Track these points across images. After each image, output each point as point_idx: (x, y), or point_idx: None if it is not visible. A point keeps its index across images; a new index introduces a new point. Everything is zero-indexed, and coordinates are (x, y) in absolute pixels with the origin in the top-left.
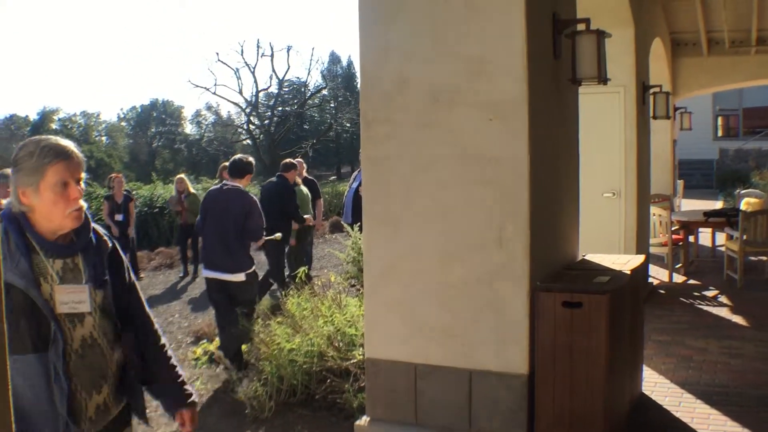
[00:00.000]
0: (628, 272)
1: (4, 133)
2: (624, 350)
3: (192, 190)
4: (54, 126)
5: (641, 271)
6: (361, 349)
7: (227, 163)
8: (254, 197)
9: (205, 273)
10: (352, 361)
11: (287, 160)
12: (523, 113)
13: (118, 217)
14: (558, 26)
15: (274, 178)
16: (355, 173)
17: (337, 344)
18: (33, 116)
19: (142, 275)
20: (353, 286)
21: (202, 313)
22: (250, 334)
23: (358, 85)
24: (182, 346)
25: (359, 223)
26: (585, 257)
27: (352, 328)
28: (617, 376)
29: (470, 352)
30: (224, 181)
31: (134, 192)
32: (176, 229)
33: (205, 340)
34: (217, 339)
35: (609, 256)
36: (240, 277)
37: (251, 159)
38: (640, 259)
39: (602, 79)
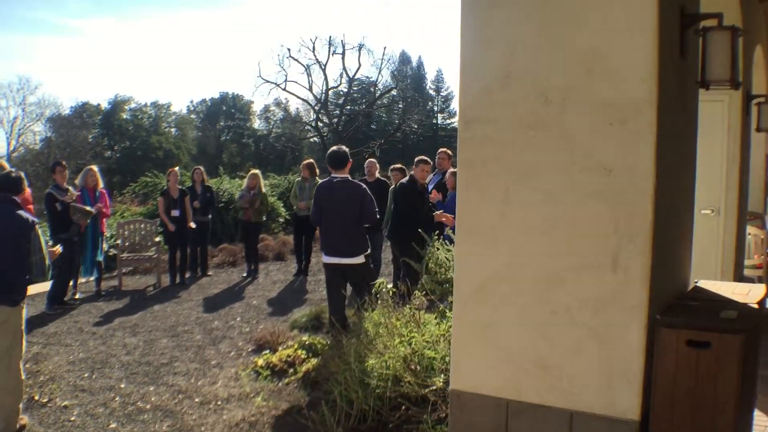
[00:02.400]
0: (756, 306)
1: (76, 122)
2: (748, 395)
3: (263, 189)
4: (125, 116)
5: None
6: (442, 375)
7: (311, 160)
8: (363, 185)
9: (326, 259)
10: (431, 388)
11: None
12: (648, 118)
13: (175, 213)
14: (686, 21)
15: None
16: (430, 176)
17: (414, 367)
18: (105, 105)
19: (209, 272)
20: (430, 300)
21: (264, 319)
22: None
23: (428, 87)
24: (243, 354)
25: (437, 232)
26: (698, 284)
27: (432, 351)
28: (742, 426)
29: (571, 390)
30: (332, 175)
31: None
32: (240, 226)
33: (267, 351)
34: (281, 350)
35: (726, 284)
36: (360, 259)
37: (345, 149)
38: (761, 289)
39: (735, 83)
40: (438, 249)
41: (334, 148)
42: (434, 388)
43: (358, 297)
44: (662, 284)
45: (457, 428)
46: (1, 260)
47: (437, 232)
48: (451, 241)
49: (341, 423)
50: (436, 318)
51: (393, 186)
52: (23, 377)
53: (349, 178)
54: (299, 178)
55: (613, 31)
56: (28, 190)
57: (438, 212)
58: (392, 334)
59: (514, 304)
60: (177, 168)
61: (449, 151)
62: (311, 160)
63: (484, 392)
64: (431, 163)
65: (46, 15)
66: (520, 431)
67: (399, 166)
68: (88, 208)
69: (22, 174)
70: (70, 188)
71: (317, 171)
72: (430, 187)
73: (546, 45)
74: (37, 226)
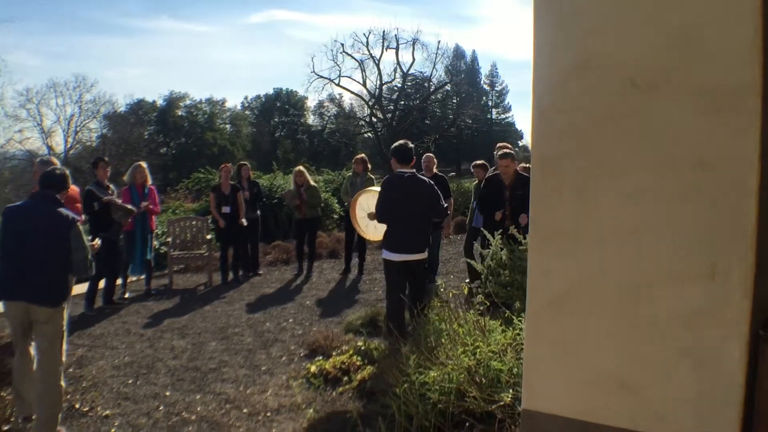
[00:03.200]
0: None
1: (132, 119)
2: None
3: (312, 183)
4: (180, 112)
5: None
6: (511, 391)
7: (363, 155)
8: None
9: (393, 256)
10: (498, 404)
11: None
12: (751, 105)
13: (225, 209)
14: None
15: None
16: (490, 171)
17: (479, 380)
18: (160, 102)
19: (260, 271)
20: (493, 303)
21: (318, 320)
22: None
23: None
24: (294, 359)
25: (500, 230)
26: None
27: (499, 362)
28: None
29: (659, 414)
30: (398, 170)
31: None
32: (294, 222)
33: (320, 357)
34: (335, 356)
35: None
36: (425, 255)
37: (410, 143)
38: None
39: None
40: (502, 249)
41: (401, 142)
42: (502, 404)
43: (417, 299)
44: (766, 295)
45: None
46: (41, 259)
47: (501, 230)
48: (516, 241)
49: None
50: (501, 325)
51: (476, 182)
52: (63, 384)
53: (416, 173)
54: (350, 173)
55: (711, 7)
56: (74, 188)
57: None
58: (455, 343)
59: (595, 316)
60: (230, 164)
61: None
62: (363, 155)
63: (560, 413)
64: (513, 155)
65: (102, 15)
66: None
67: (481, 162)
68: (129, 206)
69: (67, 171)
70: (111, 186)
71: (369, 166)
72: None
73: (631, 25)
74: (78, 224)
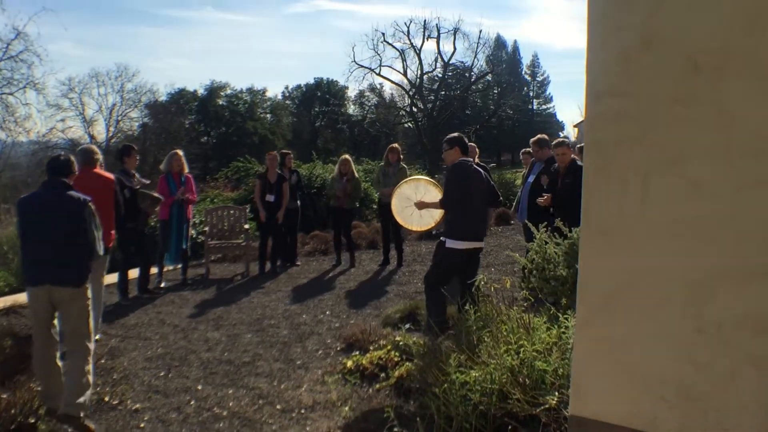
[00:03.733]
0: None
1: (173, 108)
2: None
3: (356, 174)
4: (220, 102)
5: None
6: (557, 393)
7: (396, 145)
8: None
9: (461, 244)
10: (543, 407)
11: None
12: None
13: (270, 198)
14: None
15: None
16: (531, 163)
17: (522, 381)
18: (201, 91)
19: (298, 262)
20: (536, 299)
21: (355, 313)
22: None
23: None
24: (331, 353)
25: (545, 224)
26: None
27: (544, 362)
28: None
29: (720, 425)
30: (462, 158)
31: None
32: (331, 213)
33: (357, 351)
34: (372, 351)
35: None
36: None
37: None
38: None
39: None
40: (546, 242)
41: (457, 134)
42: (546, 407)
43: (468, 289)
44: None
45: None
46: (61, 242)
47: (545, 223)
48: (561, 233)
49: None
50: (546, 322)
51: (524, 171)
52: (91, 363)
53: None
54: (382, 164)
55: None
56: (109, 175)
57: (543, 199)
58: (497, 341)
59: (652, 318)
60: (275, 152)
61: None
62: (397, 145)
63: (611, 421)
64: (568, 143)
65: (146, 5)
66: None
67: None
68: (157, 195)
69: (71, 156)
70: (137, 174)
71: (401, 156)
72: (531, 177)
73: (697, 1)
74: (90, 204)
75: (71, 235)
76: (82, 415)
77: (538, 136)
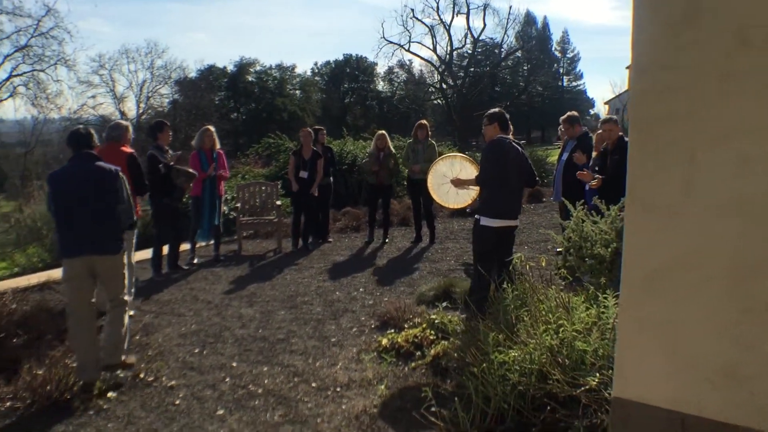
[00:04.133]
0: None
1: (202, 84)
2: None
3: (392, 149)
4: (250, 78)
5: None
6: (598, 374)
7: (424, 122)
8: None
9: (494, 222)
10: (583, 388)
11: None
12: None
13: (303, 174)
14: None
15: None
16: (565, 141)
17: (562, 361)
18: (230, 68)
19: (330, 238)
20: (574, 278)
21: (389, 290)
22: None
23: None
24: (366, 331)
25: (582, 201)
26: None
27: (583, 342)
28: None
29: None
30: (499, 135)
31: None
32: (365, 189)
33: (392, 329)
34: (407, 329)
35: None
36: (518, 222)
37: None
38: None
39: None
40: (583, 220)
41: (499, 109)
42: (587, 388)
43: (505, 267)
44: None
45: None
46: (97, 213)
47: (582, 201)
48: (598, 212)
49: (475, 423)
50: (584, 302)
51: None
52: (128, 317)
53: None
54: (410, 140)
55: None
56: (127, 149)
57: (583, 171)
58: (536, 320)
59: (698, 298)
60: (308, 128)
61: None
62: (425, 121)
63: (655, 403)
64: (616, 120)
65: None
66: None
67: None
68: (192, 170)
69: (91, 129)
70: (170, 150)
71: (429, 132)
72: (564, 155)
73: None
74: (120, 174)
75: (104, 205)
76: (123, 358)
77: (568, 113)
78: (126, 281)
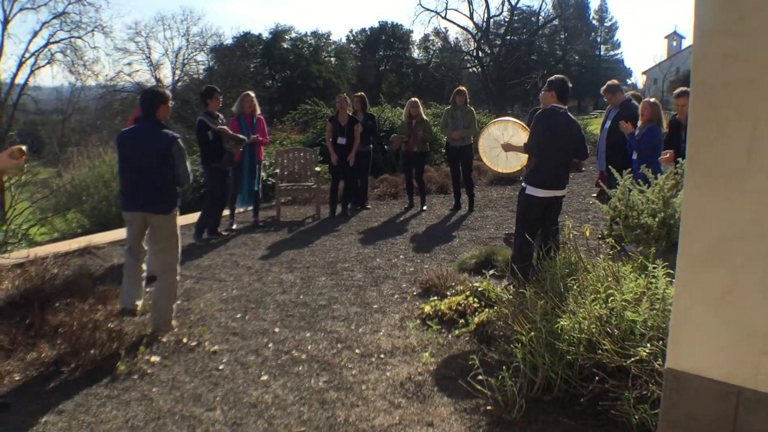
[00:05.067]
0: None
1: (238, 51)
2: None
3: (424, 117)
4: (285, 45)
5: None
6: (649, 344)
7: (462, 88)
8: None
9: (541, 192)
10: (633, 359)
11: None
12: None
13: (341, 140)
14: None
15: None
16: (608, 110)
17: (611, 331)
18: (265, 35)
19: (368, 205)
20: (620, 247)
21: (429, 257)
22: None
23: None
24: (407, 298)
25: (629, 170)
26: None
27: (633, 312)
28: None
29: None
30: (553, 104)
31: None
32: (402, 156)
33: (435, 297)
34: (450, 296)
35: None
36: (565, 192)
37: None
38: None
39: None
40: (630, 189)
41: (563, 77)
42: (637, 358)
43: (551, 236)
44: None
45: (671, 415)
46: (150, 174)
47: (629, 170)
48: (646, 181)
49: (523, 392)
50: (632, 271)
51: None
52: (178, 279)
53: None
54: (448, 107)
55: None
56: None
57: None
58: (585, 290)
59: (760, 269)
60: (345, 94)
61: (611, 84)
62: (463, 87)
63: (711, 376)
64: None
65: None
66: (754, 427)
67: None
68: (241, 136)
69: (160, 91)
70: (221, 116)
71: (468, 99)
72: (606, 123)
73: None
74: (179, 140)
75: (160, 167)
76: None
77: (608, 82)
78: (180, 248)
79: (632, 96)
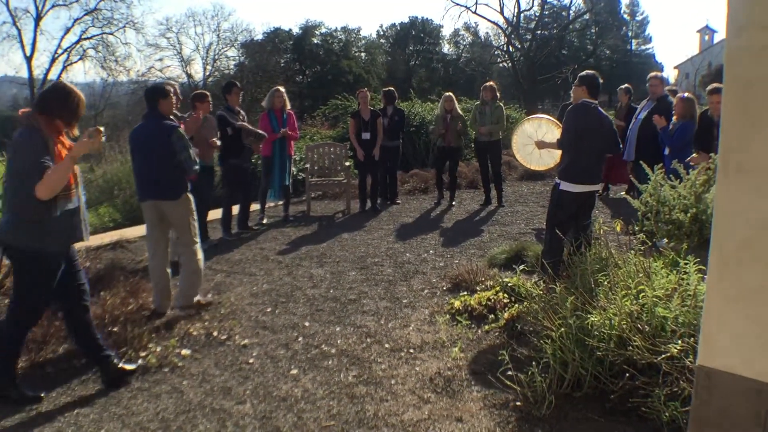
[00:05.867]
0: None
1: (268, 47)
2: None
3: (459, 111)
4: (315, 40)
5: None
6: (680, 341)
7: (492, 83)
8: None
9: (575, 187)
10: (664, 356)
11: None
12: None
13: (365, 135)
14: None
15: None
16: (644, 102)
17: (642, 327)
18: (296, 30)
19: (398, 200)
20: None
21: (459, 253)
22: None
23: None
24: (437, 293)
25: (660, 165)
26: None
27: (665, 308)
28: None
29: None
30: (584, 100)
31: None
32: (434, 150)
33: (465, 292)
34: (480, 292)
35: None
36: (599, 186)
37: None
38: None
39: None
40: (662, 185)
41: (594, 73)
42: (668, 355)
43: (583, 231)
44: None
45: (702, 412)
46: (156, 164)
47: (661, 165)
48: (677, 176)
49: (552, 387)
50: (663, 267)
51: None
52: (201, 257)
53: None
54: (478, 102)
55: None
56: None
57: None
58: (615, 285)
59: None
60: (366, 89)
61: (660, 74)
62: (492, 83)
63: (743, 374)
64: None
65: None
66: None
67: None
68: (260, 131)
69: (161, 86)
70: (242, 111)
71: (498, 94)
72: (641, 114)
73: None
74: (179, 129)
75: (164, 157)
76: (195, 299)
77: (656, 73)
78: (194, 229)
79: (668, 92)
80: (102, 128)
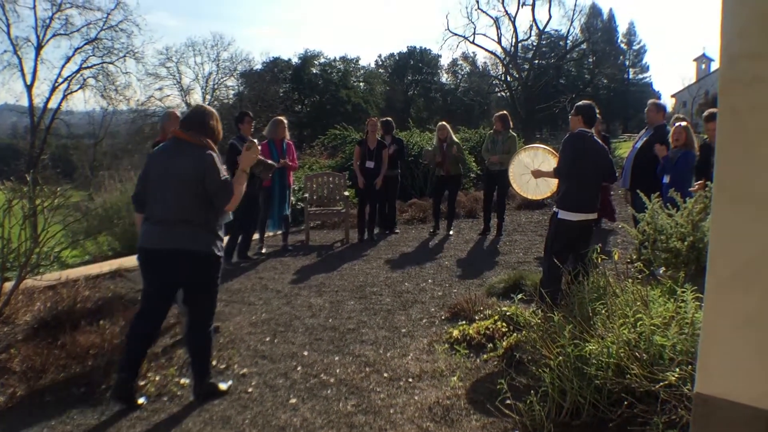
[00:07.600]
0: None
1: (267, 76)
2: None
3: (455, 139)
4: (314, 70)
5: None
6: (678, 369)
7: (504, 112)
8: None
9: (574, 216)
10: (662, 383)
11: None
12: None
13: (369, 164)
14: None
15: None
16: (642, 131)
17: (640, 355)
18: (295, 60)
19: (396, 230)
20: (648, 271)
21: (457, 282)
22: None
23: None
24: (436, 322)
25: (658, 194)
26: None
27: (662, 336)
28: None
29: None
30: (580, 129)
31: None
32: (432, 180)
33: (463, 321)
34: (478, 321)
35: None
36: (596, 215)
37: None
38: None
39: None
40: (659, 213)
41: (589, 102)
42: (666, 383)
43: (581, 260)
44: None
45: None
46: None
47: (658, 193)
48: (674, 205)
49: (551, 416)
50: (661, 296)
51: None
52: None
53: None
54: (491, 131)
55: None
56: None
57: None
58: (613, 314)
59: None
60: (376, 118)
61: (658, 102)
62: (504, 112)
63: (741, 401)
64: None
65: None
66: None
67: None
68: (271, 161)
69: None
70: (256, 141)
71: (511, 124)
72: (638, 143)
73: None
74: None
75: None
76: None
77: (654, 100)
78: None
79: (676, 119)
80: (256, 141)
